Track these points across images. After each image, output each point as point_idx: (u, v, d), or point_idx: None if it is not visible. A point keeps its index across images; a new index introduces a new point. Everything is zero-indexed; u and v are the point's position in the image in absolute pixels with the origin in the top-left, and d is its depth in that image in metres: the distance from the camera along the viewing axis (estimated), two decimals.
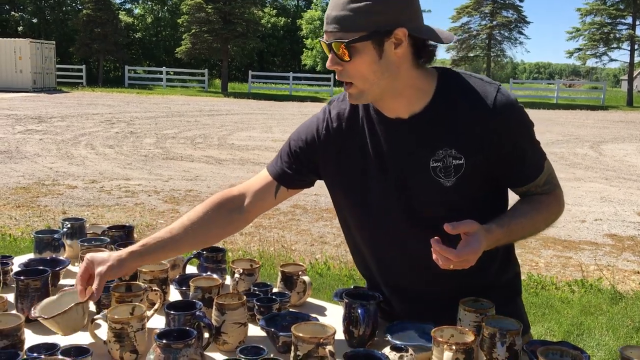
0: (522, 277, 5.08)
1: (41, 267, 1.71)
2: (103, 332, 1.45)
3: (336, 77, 1.39)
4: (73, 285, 1.71)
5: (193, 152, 11.74)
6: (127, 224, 2.17)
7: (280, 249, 5.61)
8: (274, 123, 18.05)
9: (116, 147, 11.98)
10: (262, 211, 1.65)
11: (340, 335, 1.49)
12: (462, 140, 1.37)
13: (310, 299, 1.82)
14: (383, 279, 1.60)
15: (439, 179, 1.39)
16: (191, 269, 1.97)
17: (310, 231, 6.39)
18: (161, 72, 36.55)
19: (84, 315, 1.46)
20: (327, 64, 1.35)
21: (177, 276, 1.79)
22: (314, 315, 1.60)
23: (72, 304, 1.43)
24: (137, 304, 1.47)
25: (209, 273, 1.79)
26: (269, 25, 47.39)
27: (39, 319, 1.42)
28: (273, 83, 38.02)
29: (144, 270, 1.70)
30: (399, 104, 1.40)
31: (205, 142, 13.25)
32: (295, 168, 1.56)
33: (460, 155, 1.37)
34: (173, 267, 1.90)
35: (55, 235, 2.05)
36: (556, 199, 1.50)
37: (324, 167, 1.54)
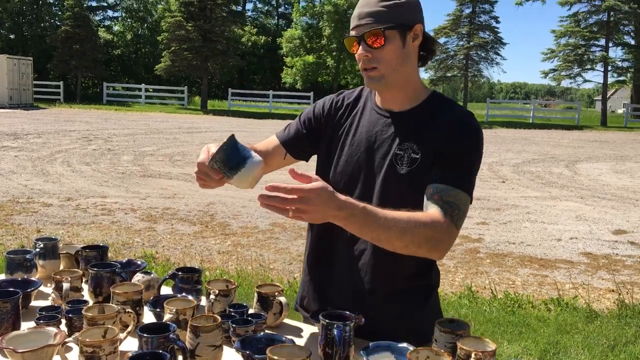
0: (500, 296, 5.13)
1: (12, 289, 1.68)
2: (74, 355, 1.42)
3: (362, 65, 1.60)
4: (44, 307, 1.68)
5: (171, 170, 11.66)
6: (101, 244, 2.14)
7: (258, 268, 5.57)
8: (253, 141, 17.84)
9: (93, 165, 11.86)
10: (276, 168, 1.88)
11: (316, 357, 1.47)
12: (426, 142, 1.59)
13: (286, 320, 1.80)
14: (315, 256, 1.79)
15: (396, 164, 1.60)
16: (166, 290, 1.94)
17: (289, 250, 6.36)
18: (140, 89, 36.39)
19: (52, 357, 1.44)
20: (359, 52, 1.58)
21: (152, 297, 1.76)
22: (290, 336, 1.58)
23: (44, 344, 1.41)
24: (109, 326, 1.44)
25: (184, 294, 1.77)
26: (249, 43, 47.52)
27: (5, 350, 1.39)
28: (253, 101, 38.05)
29: (117, 291, 1.67)
30: (397, 96, 1.65)
31: (184, 160, 13.18)
32: (301, 134, 1.80)
33: (418, 151, 1.58)
34: (147, 287, 1.87)
35: (27, 256, 2.01)
36: (434, 225, 1.47)
37: (323, 136, 1.77)
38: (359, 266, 1.68)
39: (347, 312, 1.59)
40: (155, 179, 10.51)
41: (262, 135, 20.11)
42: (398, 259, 1.56)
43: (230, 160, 1.35)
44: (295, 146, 1.82)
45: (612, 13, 34.44)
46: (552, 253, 6.62)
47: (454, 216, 1.50)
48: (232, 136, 1.37)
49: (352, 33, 1.60)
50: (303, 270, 1.88)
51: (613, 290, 5.27)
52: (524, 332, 4.19)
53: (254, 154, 1.36)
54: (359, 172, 1.67)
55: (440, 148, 1.56)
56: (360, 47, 1.58)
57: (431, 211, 1.49)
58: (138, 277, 1.90)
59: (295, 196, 1.28)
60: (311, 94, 35.20)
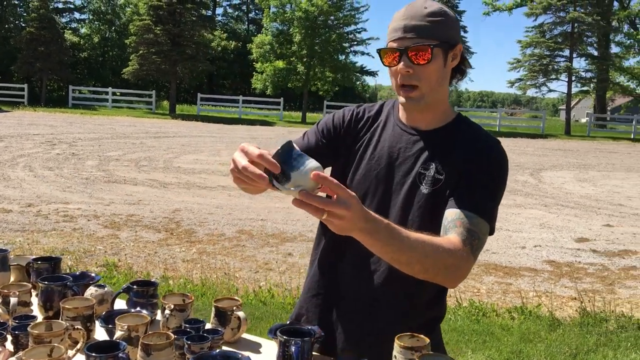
0: (464, 304, 5.14)
1: None
2: None
3: (402, 81, 1.52)
4: None
5: (137, 175, 11.47)
6: (54, 256, 2.06)
7: (223, 277, 5.49)
8: (222, 146, 17.88)
9: (56, 169, 11.59)
10: None
11: None
12: (451, 164, 1.53)
13: (245, 335, 1.76)
14: (327, 267, 1.69)
15: (419, 183, 1.55)
16: (121, 304, 1.88)
17: (256, 257, 6.30)
18: (107, 93, 35.82)
19: None
20: (400, 67, 1.50)
21: (104, 312, 1.70)
22: (247, 353, 1.54)
23: None
24: (55, 345, 1.38)
25: (138, 309, 1.71)
26: (219, 48, 47.23)
27: None
28: (222, 106, 37.79)
29: (67, 306, 1.60)
30: (426, 115, 1.59)
31: (150, 165, 12.98)
32: (321, 143, 1.68)
33: (443, 172, 1.53)
34: (101, 302, 1.80)
35: None
36: (455, 252, 1.38)
37: (341, 147, 1.68)
38: (370, 288, 1.61)
39: (307, 328, 1.56)
40: (120, 185, 10.32)
41: (231, 140, 19.98)
42: (413, 283, 1.47)
43: (284, 165, 1.17)
44: (315, 155, 1.62)
45: (576, 25, 35.26)
46: (516, 261, 6.70)
47: (474, 246, 1.43)
48: (289, 142, 1.21)
49: (393, 45, 1.51)
50: (304, 287, 1.78)
51: (575, 298, 5.34)
52: (488, 341, 4.21)
53: (312, 160, 1.18)
54: (377, 187, 1.61)
55: (465, 172, 1.51)
56: (402, 62, 1.49)
57: (452, 237, 1.41)
58: (91, 291, 1.83)
59: (330, 209, 1.14)
60: (281, 99, 35.14)
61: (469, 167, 1.51)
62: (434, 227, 1.48)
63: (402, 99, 1.55)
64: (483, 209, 1.47)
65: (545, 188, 12.68)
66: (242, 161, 1.21)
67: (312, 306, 1.72)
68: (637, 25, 39.73)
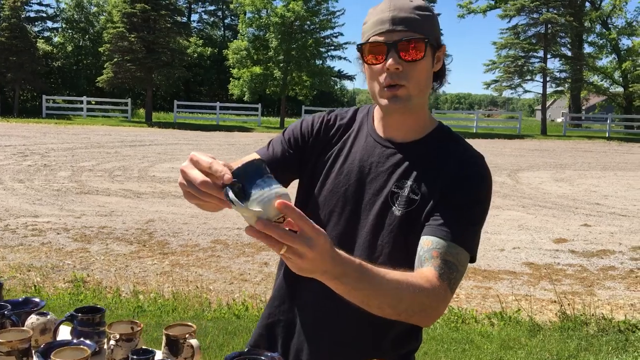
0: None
1: None
2: None
3: (389, 80, 1.34)
4: None
5: (110, 186, 11.23)
6: None
7: (196, 290, 5.33)
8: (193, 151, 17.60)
9: (27, 182, 11.30)
10: None
11: None
12: (427, 183, 1.38)
13: None
14: (290, 292, 1.53)
15: (392, 204, 1.39)
16: (66, 332, 1.73)
17: (231, 268, 6.14)
18: (82, 102, 35.32)
19: None
20: (389, 63, 1.32)
21: (42, 345, 1.55)
22: None
23: None
24: None
25: (81, 339, 1.57)
26: (195, 54, 46.90)
27: None
28: (200, 113, 37.48)
29: (0, 340, 1.46)
30: (405, 124, 1.43)
31: (125, 175, 12.74)
32: (287, 154, 1.51)
33: (418, 191, 1.37)
34: (43, 331, 1.66)
35: None
36: (432, 291, 1.21)
37: (309, 158, 1.52)
38: (334, 322, 1.45)
39: (267, 355, 1.44)
40: (93, 196, 10.08)
41: (208, 147, 19.75)
42: (383, 321, 1.25)
43: (246, 182, 1.01)
44: (281, 167, 1.47)
45: (549, 26, 35.66)
46: (495, 264, 6.63)
47: (452, 279, 1.27)
48: (260, 160, 1.05)
49: (379, 39, 1.32)
50: (265, 311, 1.62)
51: (555, 302, 5.27)
52: (467, 350, 4.11)
53: (280, 186, 1.02)
54: (344, 206, 1.44)
55: (445, 193, 1.34)
56: (391, 58, 1.31)
57: (426, 271, 1.25)
58: (32, 320, 1.68)
59: (289, 243, 0.96)
60: (259, 105, 34.97)
61: (448, 187, 1.35)
62: (407, 253, 1.33)
63: (384, 101, 1.36)
64: (463, 236, 1.31)
65: (523, 189, 12.70)
66: (197, 175, 1.03)
67: (272, 334, 1.58)
68: (609, 25, 40.33)
